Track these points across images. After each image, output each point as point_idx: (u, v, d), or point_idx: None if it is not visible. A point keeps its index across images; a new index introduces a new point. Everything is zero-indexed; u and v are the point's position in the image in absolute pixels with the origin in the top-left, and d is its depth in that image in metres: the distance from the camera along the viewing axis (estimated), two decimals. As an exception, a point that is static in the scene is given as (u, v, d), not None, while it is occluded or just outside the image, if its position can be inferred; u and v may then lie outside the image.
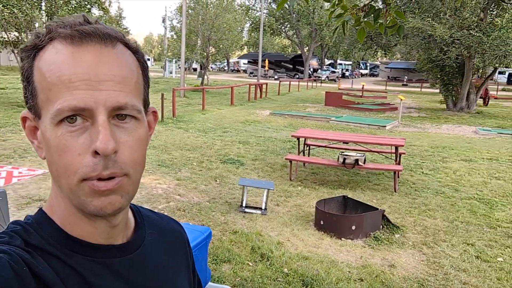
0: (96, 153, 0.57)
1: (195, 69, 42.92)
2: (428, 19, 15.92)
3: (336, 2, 2.60)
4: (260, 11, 36.72)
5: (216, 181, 6.55)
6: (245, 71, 54.17)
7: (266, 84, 24.35)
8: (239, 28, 28.46)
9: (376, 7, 2.45)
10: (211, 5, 24.12)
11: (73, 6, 14.48)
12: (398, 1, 15.61)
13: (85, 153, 0.57)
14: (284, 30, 46.51)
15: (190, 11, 23.91)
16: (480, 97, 20.56)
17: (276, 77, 43.61)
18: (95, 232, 0.65)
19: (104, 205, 0.59)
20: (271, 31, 44.50)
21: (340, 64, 56.70)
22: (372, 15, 2.40)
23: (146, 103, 0.67)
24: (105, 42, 0.60)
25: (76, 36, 0.58)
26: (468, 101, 19.18)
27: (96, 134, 0.57)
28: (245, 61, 53.55)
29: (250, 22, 43.23)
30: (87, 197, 0.59)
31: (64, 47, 0.59)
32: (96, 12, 16.36)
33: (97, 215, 0.61)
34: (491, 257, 4.24)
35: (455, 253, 4.32)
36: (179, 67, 27.58)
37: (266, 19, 41.03)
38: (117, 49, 0.61)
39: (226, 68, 64.60)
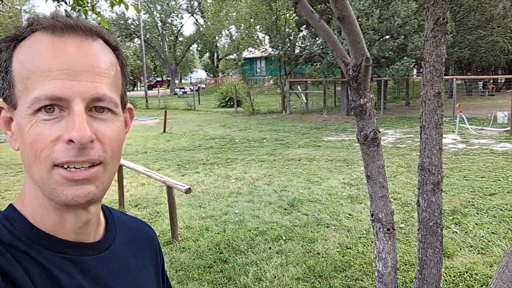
0: (70, 141, 0.55)
1: None
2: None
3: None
4: None
5: None
6: None
7: None
8: None
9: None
10: None
11: None
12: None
13: (58, 140, 0.56)
14: None
15: None
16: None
17: None
18: (66, 226, 0.63)
19: (77, 195, 0.57)
20: None
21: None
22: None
23: (123, 100, 0.66)
24: (86, 35, 0.59)
25: (58, 27, 0.58)
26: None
27: (72, 124, 0.55)
28: None
29: None
30: (57, 186, 0.57)
31: (45, 37, 0.58)
32: None
33: (68, 205, 0.59)
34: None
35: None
36: None
37: None
38: (97, 43, 0.61)
39: None
